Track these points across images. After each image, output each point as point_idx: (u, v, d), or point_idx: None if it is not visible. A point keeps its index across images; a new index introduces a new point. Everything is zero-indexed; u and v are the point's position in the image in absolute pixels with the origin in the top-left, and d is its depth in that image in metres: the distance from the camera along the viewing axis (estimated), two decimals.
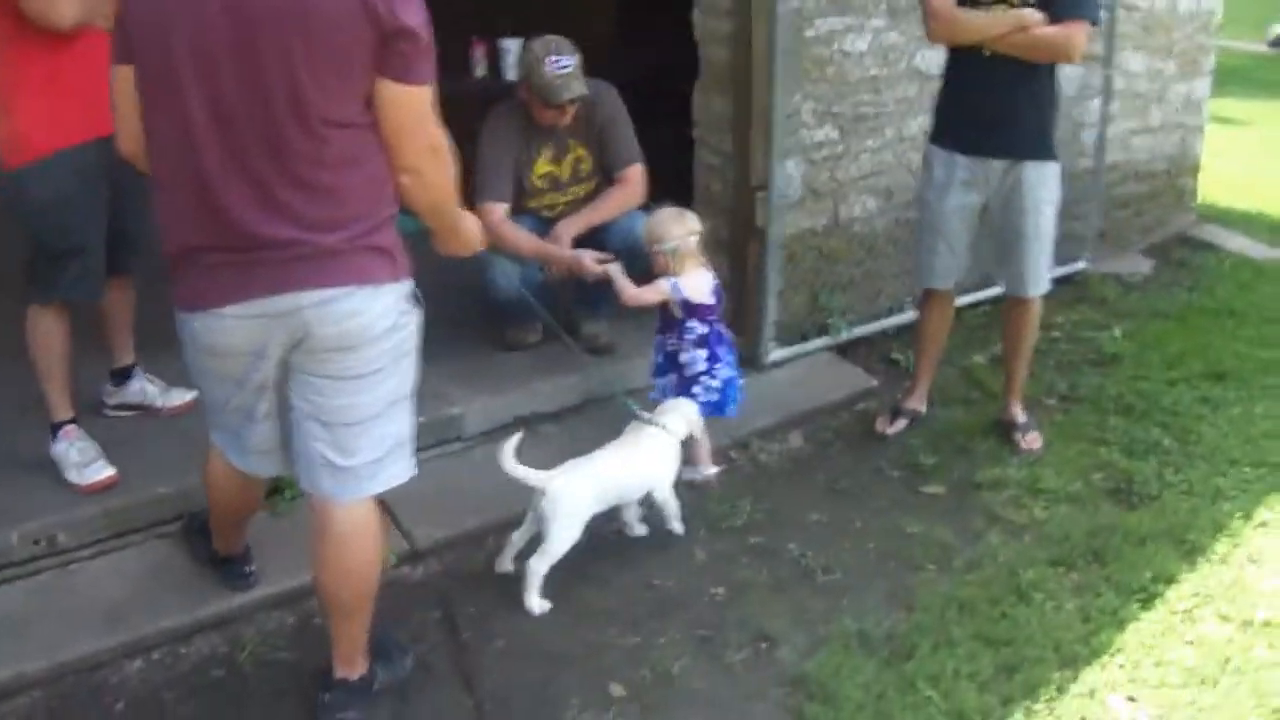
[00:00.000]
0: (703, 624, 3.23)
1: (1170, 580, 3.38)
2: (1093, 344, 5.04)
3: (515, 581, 3.31)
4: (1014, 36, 3.68)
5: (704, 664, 3.07)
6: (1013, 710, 2.87)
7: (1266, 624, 3.19)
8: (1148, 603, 3.29)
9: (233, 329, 2.48)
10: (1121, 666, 3.03)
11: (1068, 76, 5.44)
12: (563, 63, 4.10)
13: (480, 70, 5.89)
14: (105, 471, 3.61)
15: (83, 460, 3.60)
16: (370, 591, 2.77)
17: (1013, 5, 3.69)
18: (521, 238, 4.25)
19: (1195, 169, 6.62)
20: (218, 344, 2.53)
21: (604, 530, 3.51)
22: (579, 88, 4.14)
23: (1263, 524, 3.69)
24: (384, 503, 2.82)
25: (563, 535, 3.27)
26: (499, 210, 4.22)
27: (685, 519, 3.65)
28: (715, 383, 3.91)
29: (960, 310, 4.64)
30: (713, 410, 3.90)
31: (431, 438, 4.01)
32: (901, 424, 4.27)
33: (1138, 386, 4.60)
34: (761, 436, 4.25)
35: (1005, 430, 4.19)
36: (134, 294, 3.86)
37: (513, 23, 5.69)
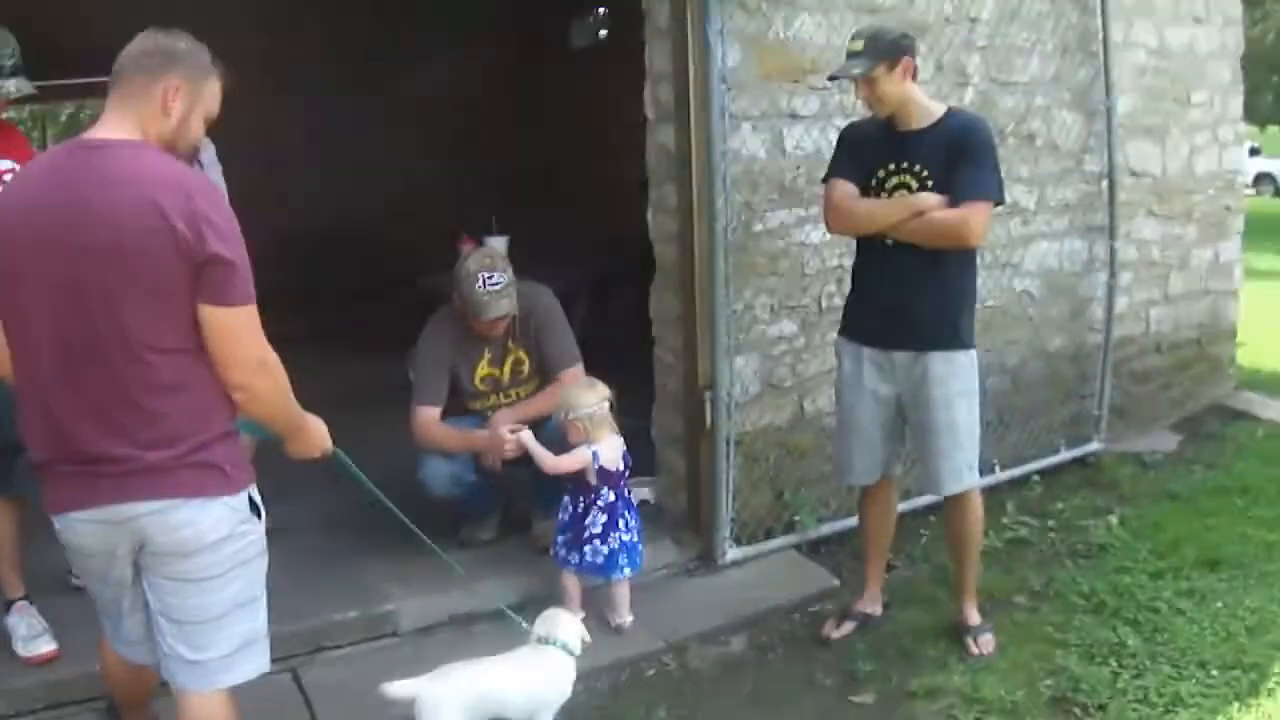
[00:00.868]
0: None
1: None
2: (1083, 534, 4.75)
3: None
4: (911, 223, 3.58)
5: None
6: None
7: None
8: None
9: (83, 532, 2.64)
10: None
11: (1073, 250, 5.37)
12: (494, 280, 4.19)
13: None
14: (47, 646, 3.80)
15: (29, 634, 3.82)
16: None
17: (911, 190, 3.61)
18: (448, 434, 4.31)
19: (1231, 334, 6.32)
20: (75, 544, 2.69)
21: None
22: (507, 306, 4.23)
23: None
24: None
25: None
26: (430, 413, 4.31)
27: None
28: (604, 549, 4.05)
29: (936, 505, 4.39)
30: (596, 572, 4.08)
31: (365, 633, 4.08)
32: (849, 627, 4.04)
33: (1118, 581, 4.28)
34: (701, 639, 4.08)
35: (959, 634, 3.92)
36: None
37: (501, 221, 5.90)
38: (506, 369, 4.43)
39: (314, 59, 8.87)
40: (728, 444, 4.47)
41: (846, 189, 3.73)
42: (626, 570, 4.13)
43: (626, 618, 4.14)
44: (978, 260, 3.82)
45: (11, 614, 3.81)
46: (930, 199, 3.57)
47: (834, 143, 3.94)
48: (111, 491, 2.56)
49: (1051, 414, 5.40)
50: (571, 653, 3.45)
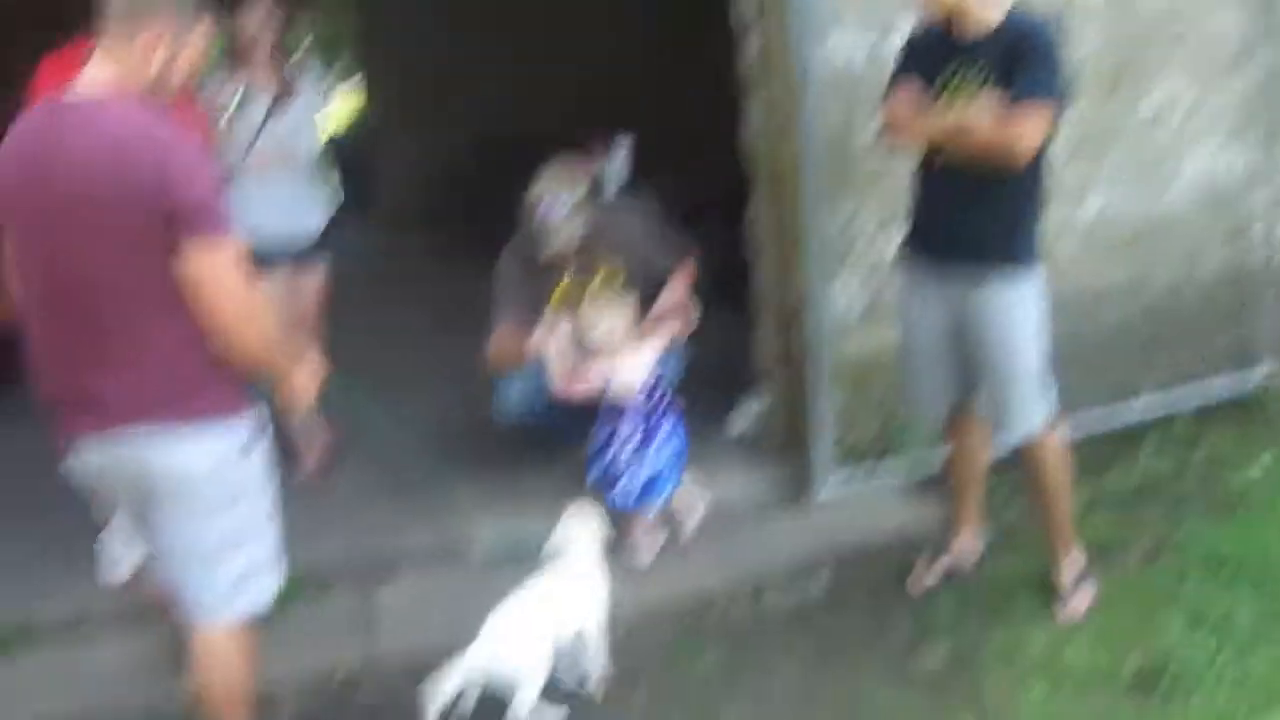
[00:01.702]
0: None
1: None
2: (1225, 480, 4.25)
3: None
4: (960, 137, 3.21)
5: None
6: None
7: None
8: None
9: (88, 464, 2.74)
10: None
11: (1231, 162, 4.75)
12: (554, 210, 4.01)
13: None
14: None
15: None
16: (239, 702, 2.91)
17: (972, 97, 3.21)
18: (502, 338, 4.20)
19: None
20: (83, 472, 2.78)
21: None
22: (566, 235, 4.04)
23: None
24: None
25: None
26: (504, 327, 4.21)
27: (639, 657, 3.47)
28: (640, 475, 3.92)
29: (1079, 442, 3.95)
30: (631, 505, 3.94)
31: (439, 557, 4.08)
32: (936, 576, 3.75)
33: (1249, 536, 3.82)
34: (780, 580, 3.89)
35: (1051, 591, 3.59)
36: None
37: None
38: (597, 285, 4.22)
39: None
40: (826, 370, 4.17)
41: (905, 100, 3.36)
42: (669, 489, 3.98)
43: (645, 554, 4.00)
44: (1044, 168, 3.33)
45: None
46: (982, 114, 3.17)
47: None
48: (107, 421, 2.64)
49: (1206, 344, 4.78)
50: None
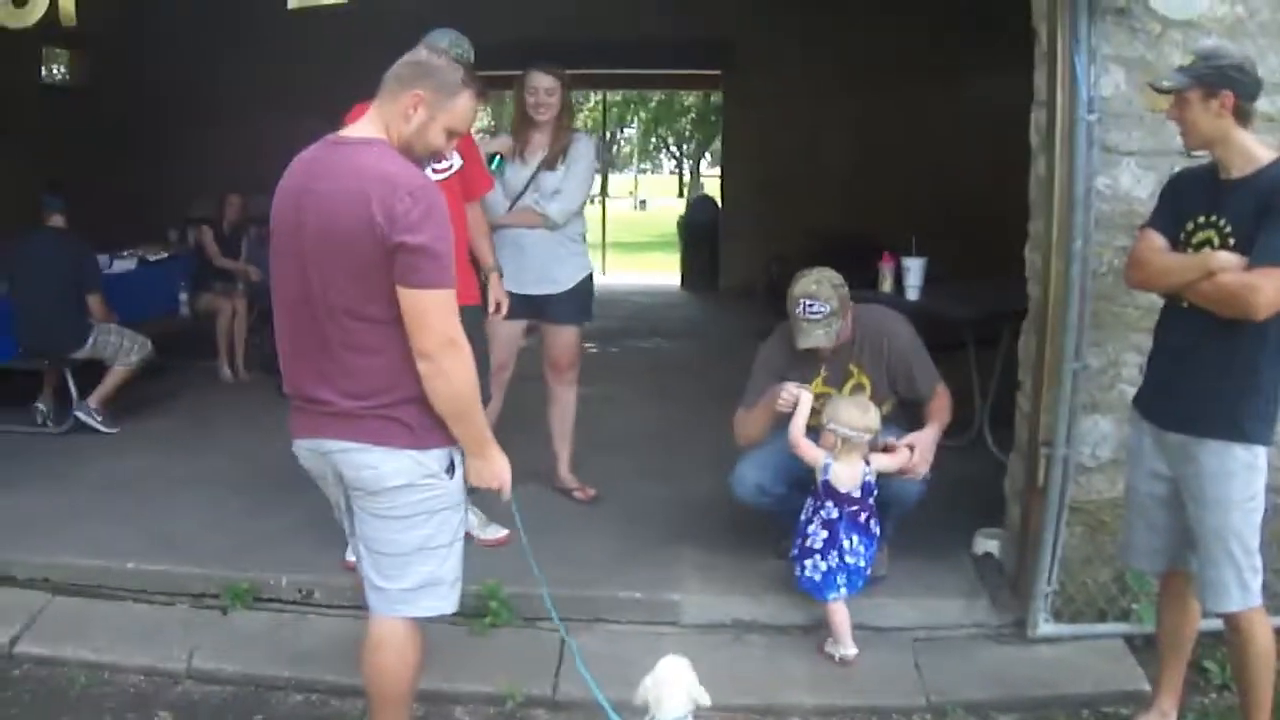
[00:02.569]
0: None
1: None
2: None
3: None
4: (1202, 284, 3.03)
5: None
6: None
7: None
8: None
9: (304, 457, 3.14)
10: None
11: None
12: (815, 309, 4.12)
13: (886, 285, 5.89)
14: (501, 532, 4.68)
15: (481, 523, 4.68)
16: (396, 695, 3.18)
17: (1214, 248, 3.05)
18: (750, 413, 4.33)
19: None
20: (304, 467, 3.17)
21: None
22: (822, 338, 4.14)
23: None
24: None
25: None
26: (751, 406, 4.34)
27: None
28: (822, 565, 4.01)
29: None
30: (811, 589, 4.05)
31: (645, 615, 4.31)
32: None
33: None
34: (968, 708, 3.78)
35: None
36: None
37: (920, 241, 5.69)
38: (846, 391, 4.30)
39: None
40: (1061, 508, 4.02)
41: (1153, 240, 3.23)
42: (843, 591, 4.02)
43: (850, 649, 4.01)
44: None
45: None
46: (1226, 258, 3.00)
47: None
48: (315, 427, 3.01)
49: None
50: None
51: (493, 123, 20.59)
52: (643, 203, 42.33)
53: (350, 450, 2.95)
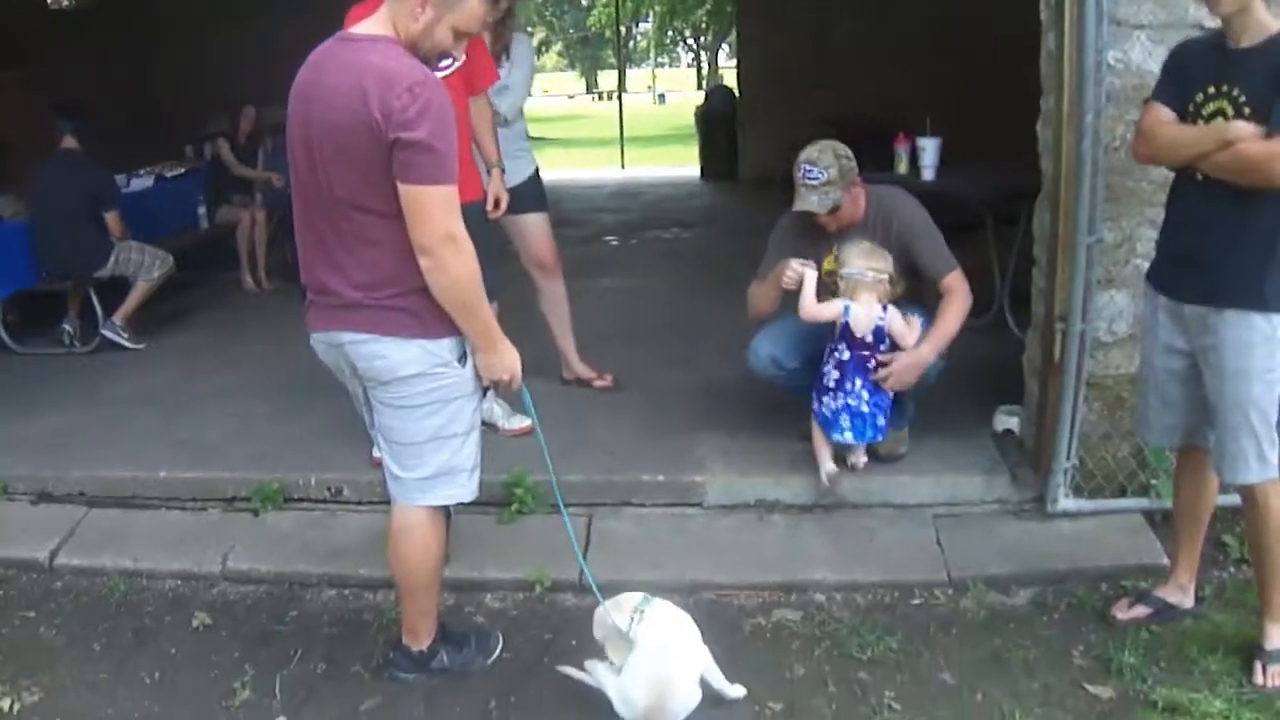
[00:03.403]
0: None
1: None
2: None
3: None
4: (1218, 155, 2.96)
5: None
6: None
7: None
8: None
9: (320, 351, 3.18)
10: None
11: None
12: (813, 174, 4.09)
13: (902, 166, 5.82)
14: (524, 422, 4.75)
15: (505, 413, 4.77)
16: (420, 581, 3.28)
17: (1227, 118, 2.97)
18: (758, 286, 4.35)
19: None
20: (320, 360, 3.21)
21: None
22: (815, 203, 4.11)
23: None
24: None
25: None
26: (764, 279, 4.36)
27: (821, 627, 3.62)
28: (832, 404, 4.18)
29: None
30: (823, 424, 4.22)
31: (669, 498, 4.38)
32: (1140, 611, 3.53)
33: None
34: (988, 582, 3.83)
35: (1251, 654, 3.29)
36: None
37: (935, 122, 5.61)
38: None
39: None
40: (1079, 383, 4.01)
41: (1160, 113, 3.14)
42: (848, 435, 4.18)
43: (861, 458, 4.32)
44: None
45: (486, 399, 4.32)
46: (1244, 128, 2.92)
47: None
48: (328, 319, 3.06)
49: None
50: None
51: None
52: (661, 97, 41.83)
53: (361, 341, 2.99)
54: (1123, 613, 3.58)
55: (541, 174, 5.30)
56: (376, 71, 2.78)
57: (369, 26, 2.91)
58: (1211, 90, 3.04)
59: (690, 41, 42.98)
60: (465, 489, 3.21)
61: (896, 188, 4.37)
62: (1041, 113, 4.16)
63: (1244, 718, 3.06)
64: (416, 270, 2.88)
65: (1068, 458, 4.08)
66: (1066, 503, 4.12)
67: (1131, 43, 3.81)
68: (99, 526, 4.38)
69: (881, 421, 4.18)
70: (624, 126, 19.30)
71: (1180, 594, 3.58)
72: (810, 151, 4.15)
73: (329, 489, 4.48)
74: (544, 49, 51.30)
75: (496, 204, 4.64)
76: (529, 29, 20.49)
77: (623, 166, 18.07)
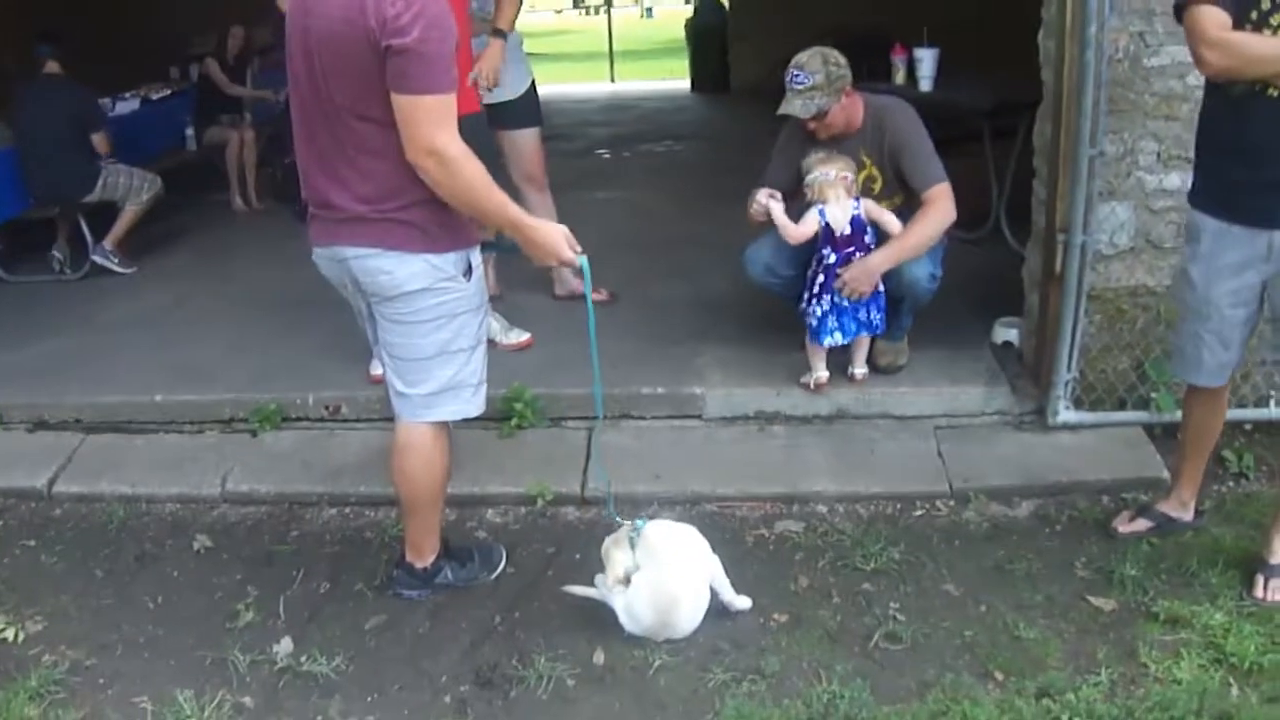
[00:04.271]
0: (727, 637, 3.13)
1: None
2: None
3: None
4: None
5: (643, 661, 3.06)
6: None
7: None
8: None
9: (323, 267, 3.12)
10: None
11: None
12: (799, 79, 3.99)
13: (899, 77, 5.71)
14: (523, 335, 4.76)
15: (504, 327, 4.69)
16: (425, 498, 3.26)
17: None
18: (752, 206, 4.22)
19: None
20: (324, 275, 3.15)
21: None
22: (800, 107, 4.01)
23: None
24: None
25: None
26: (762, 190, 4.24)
27: (824, 537, 3.62)
28: (817, 309, 4.17)
29: None
30: (811, 333, 4.22)
31: (669, 410, 4.36)
32: (1142, 525, 3.51)
33: None
34: (990, 494, 3.82)
35: (1253, 569, 3.27)
36: None
37: (931, 32, 5.49)
38: (859, 181, 4.17)
39: None
40: (1080, 295, 3.94)
41: (1221, 18, 2.85)
42: (837, 336, 4.17)
43: (860, 369, 4.30)
44: None
45: None
46: None
47: None
48: (330, 233, 2.99)
49: None
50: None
51: None
52: (648, 10, 41.14)
53: (365, 255, 2.93)
54: (1124, 526, 3.56)
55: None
56: None
57: None
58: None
59: None
60: (471, 404, 3.16)
61: (898, 99, 4.26)
62: (1043, 23, 4.04)
63: (1245, 630, 3.03)
64: (421, 182, 2.81)
65: (1068, 370, 4.03)
66: (1067, 415, 4.09)
67: None
68: (96, 453, 4.33)
69: (875, 317, 4.16)
70: (613, 40, 19.01)
71: (1181, 509, 3.55)
72: (801, 56, 4.04)
73: (327, 407, 4.43)
74: None
75: (480, 83, 4.47)
76: None
77: (612, 80, 17.80)
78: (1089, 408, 4.11)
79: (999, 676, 2.95)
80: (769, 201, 4.10)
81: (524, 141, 5.06)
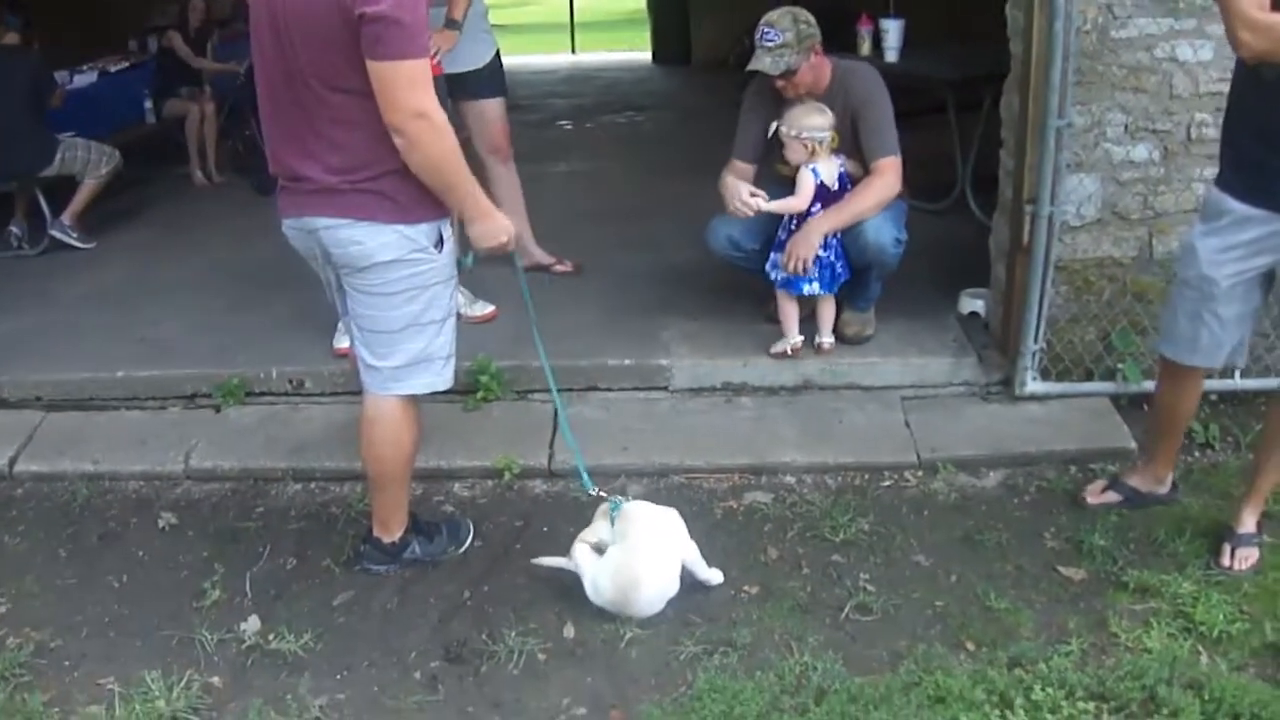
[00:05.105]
0: (697, 610, 3.11)
1: None
2: None
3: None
4: None
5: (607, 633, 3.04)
6: None
7: None
8: None
9: (292, 237, 3.06)
10: None
11: None
12: (769, 36, 3.96)
13: (865, 48, 5.67)
14: (488, 308, 4.68)
15: (468, 300, 4.57)
16: (393, 472, 3.21)
17: None
18: (724, 185, 4.19)
19: None
20: (293, 247, 3.09)
21: None
22: (770, 64, 3.97)
23: None
24: None
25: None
26: (737, 166, 4.23)
27: (794, 509, 3.59)
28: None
29: None
30: (786, 285, 4.19)
31: (636, 381, 4.32)
32: (1111, 497, 3.50)
33: None
34: (958, 464, 3.80)
35: (1222, 539, 3.26)
36: None
37: (898, 2, 5.46)
38: (825, 152, 4.09)
39: None
40: (1047, 266, 3.92)
41: None
42: (815, 285, 4.15)
43: (827, 338, 4.27)
44: None
45: None
46: None
47: None
48: (300, 205, 2.93)
49: None
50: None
51: None
52: None
53: (335, 226, 2.88)
54: (1094, 497, 3.55)
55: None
56: None
57: None
58: None
59: None
60: (441, 377, 3.11)
61: (866, 64, 4.22)
62: None
63: (1213, 599, 3.03)
64: (392, 152, 2.75)
65: (1035, 341, 4.01)
66: (1034, 385, 4.07)
67: None
68: (58, 431, 4.22)
69: (839, 265, 4.17)
70: (574, 11, 18.84)
71: (1156, 484, 3.52)
72: (771, 15, 4.01)
73: (290, 381, 4.34)
74: None
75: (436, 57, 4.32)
76: None
77: (573, 51, 17.62)
78: (1056, 378, 4.10)
79: (970, 647, 2.94)
80: (753, 200, 4.04)
81: (490, 111, 4.97)
